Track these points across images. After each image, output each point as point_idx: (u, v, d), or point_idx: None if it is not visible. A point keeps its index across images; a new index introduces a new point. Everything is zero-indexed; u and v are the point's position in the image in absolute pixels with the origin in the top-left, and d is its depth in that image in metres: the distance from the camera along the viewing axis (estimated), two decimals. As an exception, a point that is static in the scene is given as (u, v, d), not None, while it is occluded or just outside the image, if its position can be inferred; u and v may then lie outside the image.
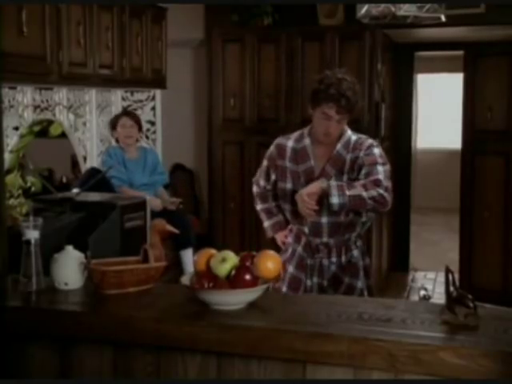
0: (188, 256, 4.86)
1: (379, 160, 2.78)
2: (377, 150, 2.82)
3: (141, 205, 2.81)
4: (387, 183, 2.71)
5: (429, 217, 9.37)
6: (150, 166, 5.02)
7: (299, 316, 1.76)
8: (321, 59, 5.37)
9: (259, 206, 3.17)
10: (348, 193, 2.60)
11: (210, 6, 6.06)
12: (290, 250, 2.97)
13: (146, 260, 2.00)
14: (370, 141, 2.87)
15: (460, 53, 5.81)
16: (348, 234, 2.87)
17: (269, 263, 1.86)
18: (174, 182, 6.00)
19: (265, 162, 3.04)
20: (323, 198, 2.65)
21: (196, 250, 4.51)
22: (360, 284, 2.90)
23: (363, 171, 2.74)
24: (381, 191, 2.65)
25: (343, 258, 2.88)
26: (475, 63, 5.59)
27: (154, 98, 5.45)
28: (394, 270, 6.51)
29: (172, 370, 1.78)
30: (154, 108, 5.47)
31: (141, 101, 5.42)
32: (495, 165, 5.53)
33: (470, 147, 5.67)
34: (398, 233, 6.62)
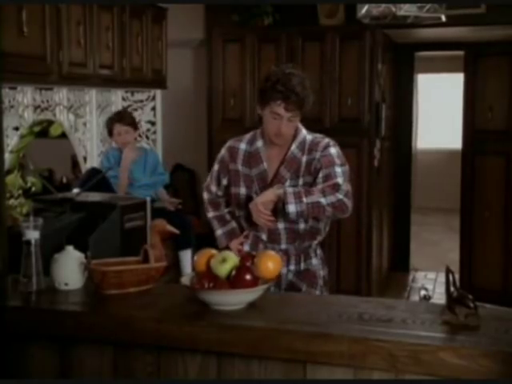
0: (187, 257, 4.86)
1: (337, 161, 2.62)
2: (334, 150, 2.64)
3: (141, 205, 2.81)
4: (347, 187, 2.58)
5: (429, 217, 9.37)
6: (150, 166, 5.00)
7: (299, 316, 1.76)
8: (321, 59, 5.37)
9: (210, 214, 2.97)
10: (305, 200, 2.48)
11: (210, 5, 6.07)
12: None
13: (146, 260, 2.00)
14: (327, 140, 2.69)
15: (460, 53, 5.81)
16: (308, 242, 2.74)
17: (269, 263, 1.86)
18: (174, 182, 6.00)
19: (216, 167, 2.86)
20: (279, 204, 2.53)
21: (196, 250, 4.51)
22: (318, 293, 2.76)
23: (321, 174, 2.61)
24: (340, 196, 2.53)
25: (302, 266, 2.74)
26: (475, 63, 5.59)
27: (154, 98, 5.45)
28: (395, 270, 6.51)
29: (172, 370, 1.78)
30: (154, 108, 5.46)
31: (141, 101, 5.42)
32: (495, 165, 5.53)
33: (470, 147, 5.67)
34: (398, 233, 6.62)
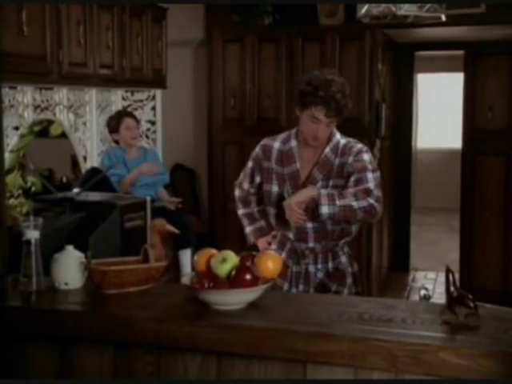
0: (186, 256, 4.86)
1: (369, 166, 2.65)
2: (367, 156, 2.67)
3: (141, 205, 2.81)
4: (378, 192, 2.61)
5: (429, 217, 9.37)
6: None
7: (300, 316, 1.76)
8: (321, 59, 5.37)
9: (241, 211, 3.03)
10: (338, 203, 2.50)
11: (210, 5, 6.06)
12: None
13: (146, 260, 2.00)
14: (360, 146, 2.72)
15: (460, 52, 5.81)
16: (335, 241, 2.77)
17: (269, 263, 1.86)
18: (174, 181, 6.00)
19: (250, 164, 2.91)
20: (311, 204, 2.56)
21: (196, 249, 4.51)
22: (346, 291, 2.78)
23: (352, 178, 2.63)
24: (371, 201, 2.57)
25: (330, 265, 2.77)
26: (475, 63, 5.59)
27: (154, 98, 5.45)
28: (395, 270, 6.51)
29: (172, 370, 1.78)
30: (154, 108, 5.47)
31: (141, 100, 5.42)
32: (495, 165, 5.53)
33: (470, 147, 5.67)
34: (398, 233, 6.62)
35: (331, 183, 2.68)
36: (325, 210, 2.49)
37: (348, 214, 2.54)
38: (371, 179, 2.62)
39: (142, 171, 4.79)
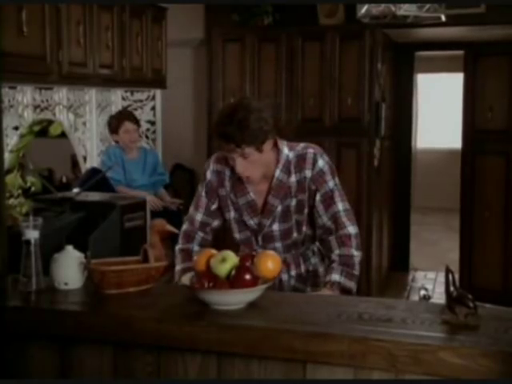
0: None
1: (328, 177, 2.50)
2: (321, 162, 2.50)
3: (141, 205, 2.81)
4: (346, 205, 2.51)
5: (429, 217, 9.38)
6: (150, 166, 5.01)
7: (299, 316, 1.76)
8: (321, 59, 5.37)
9: (179, 246, 2.64)
10: (356, 272, 2.46)
11: (210, 5, 6.07)
12: None
13: (146, 260, 2.00)
14: (311, 151, 2.51)
15: (460, 53, 5.81)
16: (304, 247, 2.65)
17: (269, 263, 1.86)
18: (174, 181, 6.00)
19: (202, 192, 2.61)
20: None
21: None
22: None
23: (317, 197, 2.49)
24: (354, 231, 2.48)
25: (302, 268, 2.65)
26: (475, 63, 5.59)
27: (154, 98, 5.45)
28: (394, 270, 6.51)
29: (172, 370, 1.78)
30: (153, 108, 5.47)
31: (141, 100, 5.42)
32: (495, 165, 5.53)
33: (470, 147, 5.67)
34: (398, 232, 6.62)
35: (294, 202, 2.53)
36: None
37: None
38: (335, 189, 2.50)
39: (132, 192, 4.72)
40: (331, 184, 2.51)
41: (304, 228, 2.58)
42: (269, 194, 2.51)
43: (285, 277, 2.63)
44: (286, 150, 2.51)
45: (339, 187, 2.54)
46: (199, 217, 2.60)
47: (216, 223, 2.63)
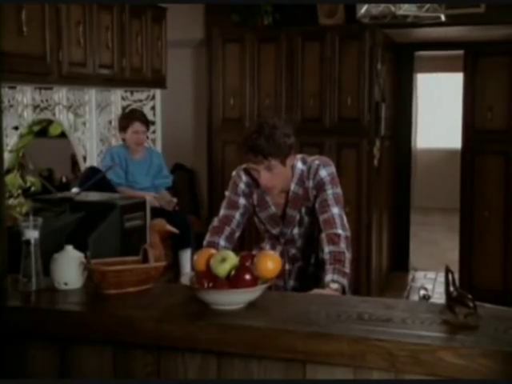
0: (186, 257, 4.85)
1: (327, 186, 2.62)
2: (324, 172, 2.63)
3: (141, 205, 2.81)
4: (343, 226, 2.56)
5: (429, 216, 9.38)
6: (154, 168, 4.98)
7: (299, 316, 1.76)
8: (321, 59, 5.37)
9: (206, 240, 2.71)
10: (347, 269, 2.49)
11: (210, 5, 6.06)
12: None
13: (145, 260, 2.00)
14: (317, 163, 2.65)
15: (460, 53, 5.81)
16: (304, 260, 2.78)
17: (269, 263, 1.86)
18: (174, 181, 6.01)
19: (236, 197, 2.73)
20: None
21: (196, 249, 4.50)
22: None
23: (317, 204, 2.62)
24: (344, 233, 2.54)
25: (320, 256, 2.73)
26: (475, 63, 5.60)
27: (153, 98, 5.45)
28: (394, 270, 6.51)
29: (172, 370, 1.78)
30: (153, 108, 5.46)
31: (140, 100, 5.41)
32: (495, 165, 5.54)
33: (469, 147, 5.67)
34: (398, 232, 6.62)
35: (303, 210, 2.69)
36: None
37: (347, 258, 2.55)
38: (331, 198, 2.59)
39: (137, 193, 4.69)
40: (329, 192, 2.62)
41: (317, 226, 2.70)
42: (286, 206, 2.70)
43: (303, 265, 2.78)
44: (299, 165, 2.68)
45: (337, 195, 2.63)
46: (230, 213, 2.71)
47: (243, 222, 2.75)
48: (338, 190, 2.64)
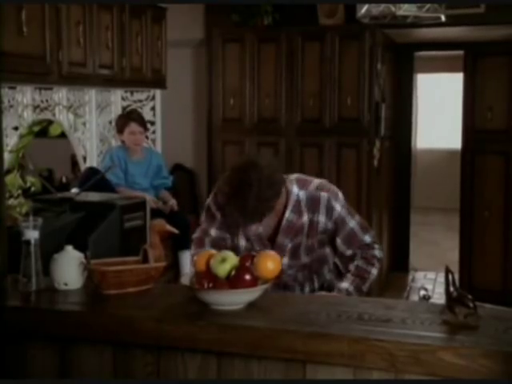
0: (185, 257, 4.84)
1: (347, 217, 2.46)
2: (338, 205, 2.45)
3: (141, 205, 2.80)
4: (372, 237, 2.51)
5: (429, 217, 9.38)
6: (153, 169, 4.98)
7: (299, 316, 1.76)
8: (321, 59, 5.37)
9: (193, 251, 2.58)
10: (365, 288, 2.46)
11: (210, 5, 6.06)
12: None
13: (145, 260, 2.00)
14: (325, 195, 2.44)
15: (460, 53, 5.81)
16: (319, 264, 2.59)
17: (269, 263, 1.86)
18: (174, 181, 6.01)
19: (218, 214, 2.50)
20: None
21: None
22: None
23: (339, 240, 2.47)
24: (378, 254, 2.51)
25: (316, 285, 2.61)
26: (475, 63, 5.59)
27: (153, 98, 5.45)
28: (394, 270, 6.51)
29: (172, 370, 1.78)
30: (153, 108, 5.46)
31: (140, 101, 5.42)
32: (495, 165, 5.53)
33: (469, 147, 5.67)
34: (398, 233, 6.62)
35: (309, 242, 2.49)
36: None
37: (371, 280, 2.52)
38: (357, 228, 2.48)
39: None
40: (352, 224, 2.49)
41: (314, 254, 2.54)
42: (277, 233, 2.46)
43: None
44: (295, 190, 2.45)
45: (362, 225, 2.51)
46: (213, 232, 2.53)
47: (228, 241, 2.55)
48: (358, 218, 2.52)
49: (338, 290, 2.45)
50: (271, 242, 2.49)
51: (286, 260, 2.47)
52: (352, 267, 2.49)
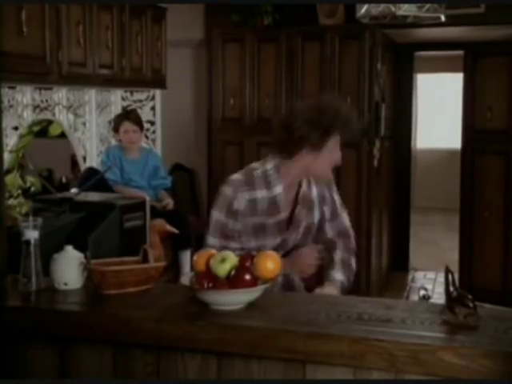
0: (185, 257, 4.85)
1: (336, 196, 2.66)
2: (334, 187, 2.67)
3: (140, 205, 2.80)
4: (347, 221, 2.69)
5: (429, 216, 9.38)
6: (150, 168, 4.98)
7: (299, 316, 1.76)
8: (321, 59, 5.37)
9: (215, 241, 2.48)
10: (351, 279, 2.59)
11: (210, 5, 6.06)
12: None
13: (145, 260, 2.00)
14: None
15: (460, 53, 5.81)
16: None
17: (268, 263, 1.86)
18: (174, 181, 6.00)
19: (230, 222, 2.45)
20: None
21: (195, 250, 4.49)
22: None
23: (328, 214, 2.63)
24: (353, 244, 2.67)
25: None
26: (475, 63, 5.60)
27: (153, 98, 5.45)
28: (394, 270, 6.51)
29: (172, 370, 1.78)
30: (153, 108, 5.46)
31: (140, 100, 5.42)
32: (495, 165, 5.54)
33: (469, 147, 5.67)
34: (397, 232, 6.62)
35: (317, 216, 2.61)
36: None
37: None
38: (341, 207, 2.67)
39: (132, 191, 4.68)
40: (336, 198, 2.66)
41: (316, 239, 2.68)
42: (295, 208, 2.54)
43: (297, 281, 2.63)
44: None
45: (340, 201, 2.69)
46: (229, 245, 2.45)
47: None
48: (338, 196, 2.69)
49: (331, 282, 2.52)
50: (288, 222, 2.53)
51: (299, 237, 2.56)
52: (337, 258, 2.59)
